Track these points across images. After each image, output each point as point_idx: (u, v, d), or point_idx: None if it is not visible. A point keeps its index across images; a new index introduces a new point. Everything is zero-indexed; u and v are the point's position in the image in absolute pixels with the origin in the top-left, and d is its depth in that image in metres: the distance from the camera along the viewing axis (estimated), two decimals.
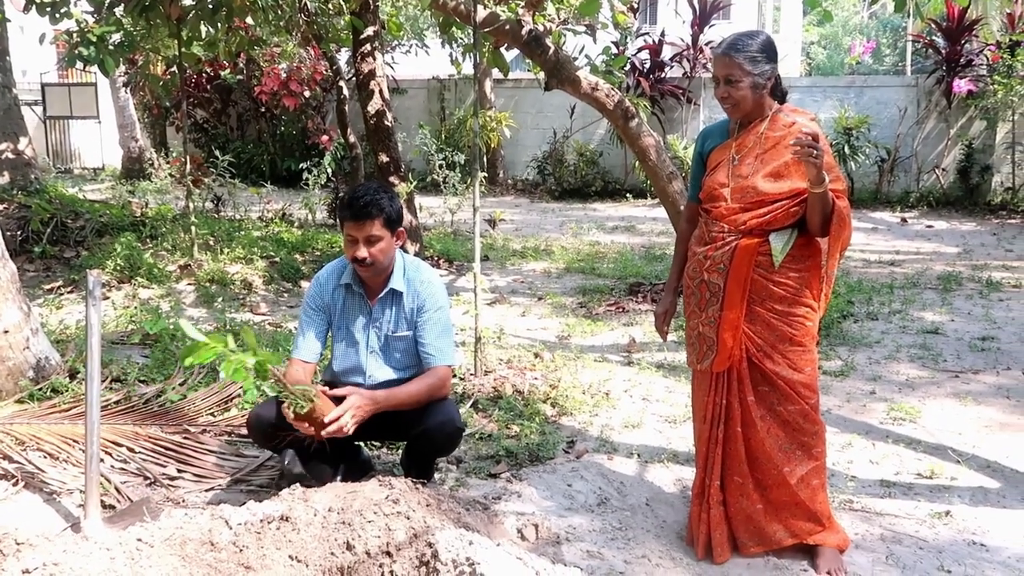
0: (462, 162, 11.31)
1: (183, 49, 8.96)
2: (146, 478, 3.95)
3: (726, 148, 3.35)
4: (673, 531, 3.60)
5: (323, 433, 3.33)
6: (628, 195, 15.20)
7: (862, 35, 41.79)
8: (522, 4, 7.07)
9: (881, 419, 4.89)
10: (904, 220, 12.56)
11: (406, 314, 3.67)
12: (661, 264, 9.14)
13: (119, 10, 8.30)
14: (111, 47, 8.23)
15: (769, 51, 3.21)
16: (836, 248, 3.27)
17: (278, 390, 3.14)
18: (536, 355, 5.88)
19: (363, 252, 3.50)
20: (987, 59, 13.16)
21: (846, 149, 13.31)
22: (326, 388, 3.40)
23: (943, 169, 13.78)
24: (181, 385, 5.03)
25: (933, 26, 14.23)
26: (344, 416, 3.31)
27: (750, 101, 3.21)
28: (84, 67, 9.15)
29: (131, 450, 4.14)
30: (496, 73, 14.57)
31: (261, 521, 3.17)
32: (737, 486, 3.35)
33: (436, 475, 3.98)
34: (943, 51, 13.70)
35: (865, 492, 3.98)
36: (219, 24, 8.59)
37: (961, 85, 13.08)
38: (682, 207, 7.34)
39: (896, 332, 6.61)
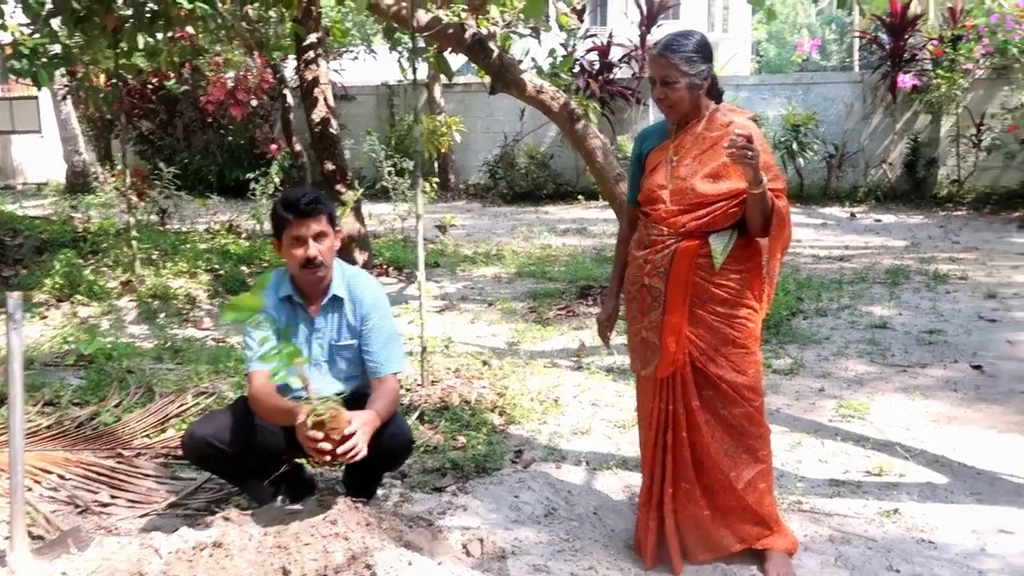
0: (412, 168, 11.20)
1: (122, 60, 8.76)
2: (77, 506, 3.81)
3: (664, 149, 3.30)
4: (621, 540, 3.54)
5: (338, 451, 3.13)
6: (580, 197, 15.19)
7: (809, 32, 42.29)
8: (465, 7, 6.99)
9: (830, 416, 4.87)
10: (853, 215, 12.67)
11: (349, 321, 3.57)
12: (612, 267, 9.09)
13: (56, 21, 8.09)
14: (46, 59, 8.03)
15: (704, 51, 3.18)
16: (777, 248, 3.23)
17: (302, 386, 3.06)
18: (485, 363, 5.80)
19: (313, 250, 3.39)
20: (930, 54, 13.33)
21: (794, 146, 13.41)
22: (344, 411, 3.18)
23: (890, 163, 13.92)
24: (116, 407, 4.88)
25: (877, 22, 14.40)
26: (358, 435, 3.14)
27: (687, 102, 3.17)
28: (17, 80, 8.91)
29: (62, 477, 3.99)
30: (445, 78, 14.50)
31: (193, 549, 3.06)
32: (684, 492, 3.28)
33: (380, 491, 3.88)
34: (887, 47, 13.85)
35: (814, 492, 3.95)
36: (158, 34, 8.43)
37: (905, 80, 13.23)
38: None
39: (845, 328, 6.62)
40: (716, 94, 3.28)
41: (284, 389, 3.59)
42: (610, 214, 11.00)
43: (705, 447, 3.23)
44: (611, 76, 15.08)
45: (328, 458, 3.14)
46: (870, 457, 4.30)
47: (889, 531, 3.58)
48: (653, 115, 14.98)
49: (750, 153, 2.91)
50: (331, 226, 3.47)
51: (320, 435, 3.06)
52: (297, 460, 3.82)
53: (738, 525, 3.29)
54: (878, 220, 12.19)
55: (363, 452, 3.16)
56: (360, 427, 3.15)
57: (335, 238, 3.52)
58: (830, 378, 5.51)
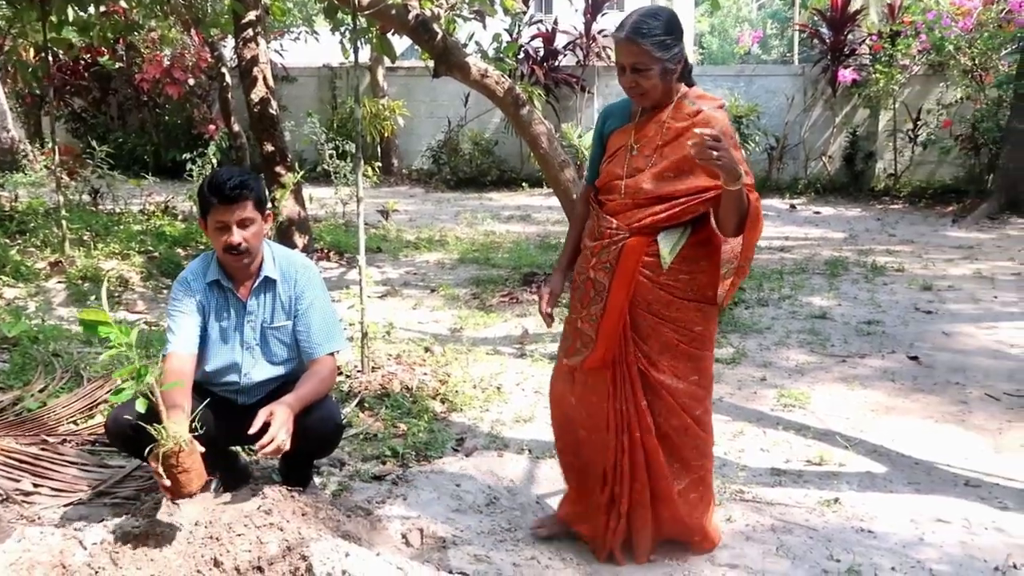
0: (353, 152, 11.02)
1: (52, 33, 8.45)
2: None
3: (626, 133, 3.11)
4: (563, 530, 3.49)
5: (261, 453, 3.02)
6: (524, 184, 15.13)
7: (750, 26, 42.75)
8: None
9: (772, 406, 4.89)
10: (793, 206, 12.81)
11: (283, 302, 3.45)
12: (555, 253, 9.03)
13: None
14: None
15: (676, 31, 2.95)
16: (754, 239, 3.01)
17: (146, 406, 2.79)
18: (427, 349, 5.72)
19: (237, 237, 3.26)
20: (869, 48, 13.51)
21: (736, 137, 13.49)
22: (199, 447, 2.95)
23: (829, 156, 14.11)
24: (41, 391, 4.69)
25: (818, 16, 14.52)
26: (279, 433, 3.02)
27: (660, 89, 2.95)
28: None
29: None
30: (388, 61, 14.30)
31: (119, 539, 2.94)
32: (638, 494, 3.17)
33: (317, 479, 3.79)
34: (827, 40, 14.01)
35: (756, 481, 3.95)
36: (89, 7, 8.14)
37: (845, 74, 13.39)
38: (575, 195, 7.29)
39: (786, 318, 6.67)
40: (687, 75, 3.08)
41: (224, 371, 3.46)
42: (554, 201, 10.98)
43: (655, 450, 3.13)
44: (556, 63, 15.03)
45: (170, 495, 2.92)
46: (811, 446, 4.31)
47: (830, 520, 3.59)
48: (598, 103, 14.97)
49: (715, 153, 2.70)
50: (259, 211, 3.33)
51: (159, 468, 2.85)
52: (231, 448, 3.71)
53: (667, 530, 3.25)
54: (817, 212, 12.34)
55: (285, 446, 3.05)
56: (281, 426, 3.04)
57: (264, 222, 3.38)
58: (771, 367, 5.53)
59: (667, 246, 3.02)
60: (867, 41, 13.66)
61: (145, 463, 3.54)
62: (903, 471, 4.05)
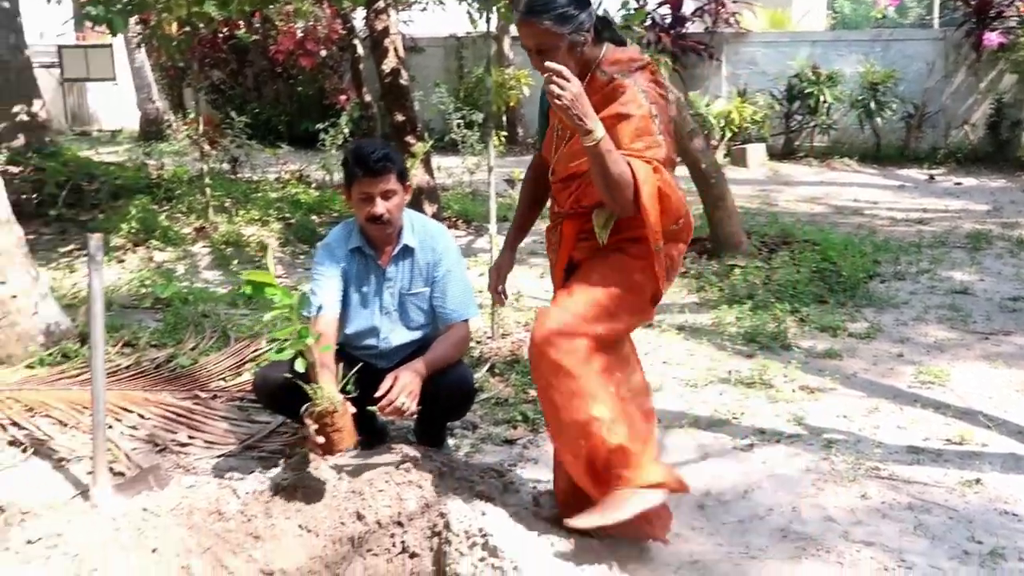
0: (480, 121, 11.13)
1: (194, 8, 8.80)
2: (156, 444, 3.90)
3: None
4: (693, 499, 3.50)
5: (382, 415, 3.18)
6: None
7: None
8: None
9: (909, 383, 4.75)
10: (932, 177, 12.27)
11: (421, 269, 3.57)
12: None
13: None
14: (120, 6, 8.09)
15: None
16: (665, 222, 2.71)
17: (305, 366, 2.92)
18: None
19: (380, 208, 3.39)
20: (1018, 10, 12.77)
21: (872, 105, 13.03)
22: (351, 408, 3.09)
23: (972, 124, 13.43)
24: (192, 350, 4.97)
25: None
26: (400, 397, 3.15)
27: (574, 65, 2.67)
28: (92, 27, 9.01)
29: (141, 416, 4.08)
30: (515, 30, 14.34)
31: (270, 490, 3.11)
32: None
33: (451, 441, 3.90)
34: (972, 2, 13.31)
35: (892, 459, 3.86)
36: None
37: (991, 38, 12.71)
38: (703, 165, 7.20)
39: (924, 292, 6.44)
40: (611, 35, 2.82)
41: (363, 335, 3.59)
42: (682, 171, 10.83)
43: None
44: (683, 30, 14.75)
45: (322, 452, 3.06)
46: (950, 425, 4.19)
47: (971, 501, 3.48)
48: (726, 71, 14.67)
49: (558, 91, 2.44)
50: (401, 183, 3.44)
51: (313, 427, 2.99)
52: (369, 408, 3.85)
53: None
54: (958, 183, 11.79)
55: (406, 409, 3.17)
56: (403, 389, 3.16)
57: (404, 194, 3.50)
58: (909, 343, 5.37)
59: (600, 221, 2.84)
60: (1016, 3, 12.91)
61: (289, 419, 3.74)
62: None
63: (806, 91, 13.36)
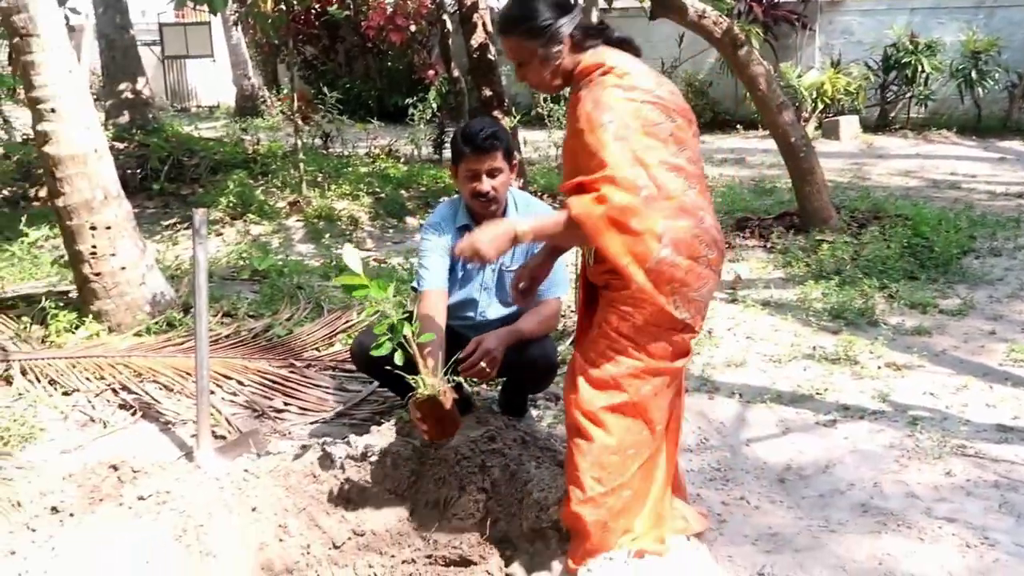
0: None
1: None
2: (254, 410, 4.10)
3: None
4: (774, 473, 3.54)
5: (468, 373, 3.26)
6: (738, 126, 14.74)
7: None
8: None
9: (1000, 361, 4.66)
10: None
11: (522, 247, 3.65)
12: (771, 198, 8.88)
13: None
14: None
15: (551, 5, 2.61)
16: (619, 251, 2.48)
17: (403, 359, 2.90)
18: None
19: (486, 186, 3.47)
20: None
21: (973, 74, 12.57)
22: (454, 394, 3.11)
23: None
24: (288, 320, 5.18)
25: None
26: (481, 360, 3.25)
27: (553, 78, 2.67)
28: (194, 6, 9.32)
29: (240, 383, 4.29)
30: (603, 3, 14.24)
31: (363, 455, 3.25)
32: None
33: (534, 412, 4.00)
34: None
35: (979, 437, 3.81)
36: None
37: None
38: (792, 139, 7.11)
39: (1021, 269, 6.26)
40: (608, 38, 2.74)
41: (462, 306, 3.69)
42: (770, 144, 10.70)
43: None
44: (775, 0, 14.46)
45: (427, 437, 3.12)
46: None
47: None
48: (820, 41, 14.33)
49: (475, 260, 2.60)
50: (507, 161, 3.51)
51: (418, 414, 3.05)
52: (456, 377, 3.97)
53: None
54: None
55: (486, 373, 3.27)
56: (485, 354, 3.24)
57: (510, 172, 3.57)
58: (1002, 321, 5.25)
59: (586, 251, 2.78)
60: None
61: (385, 386, 3.89)
62: None
63: (903, 61, 12.97)
